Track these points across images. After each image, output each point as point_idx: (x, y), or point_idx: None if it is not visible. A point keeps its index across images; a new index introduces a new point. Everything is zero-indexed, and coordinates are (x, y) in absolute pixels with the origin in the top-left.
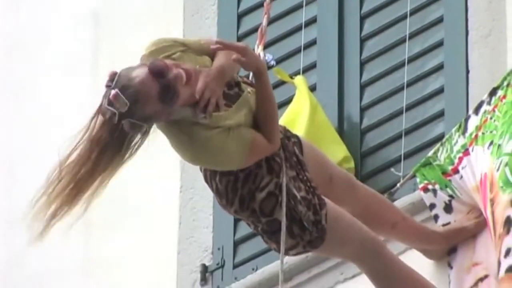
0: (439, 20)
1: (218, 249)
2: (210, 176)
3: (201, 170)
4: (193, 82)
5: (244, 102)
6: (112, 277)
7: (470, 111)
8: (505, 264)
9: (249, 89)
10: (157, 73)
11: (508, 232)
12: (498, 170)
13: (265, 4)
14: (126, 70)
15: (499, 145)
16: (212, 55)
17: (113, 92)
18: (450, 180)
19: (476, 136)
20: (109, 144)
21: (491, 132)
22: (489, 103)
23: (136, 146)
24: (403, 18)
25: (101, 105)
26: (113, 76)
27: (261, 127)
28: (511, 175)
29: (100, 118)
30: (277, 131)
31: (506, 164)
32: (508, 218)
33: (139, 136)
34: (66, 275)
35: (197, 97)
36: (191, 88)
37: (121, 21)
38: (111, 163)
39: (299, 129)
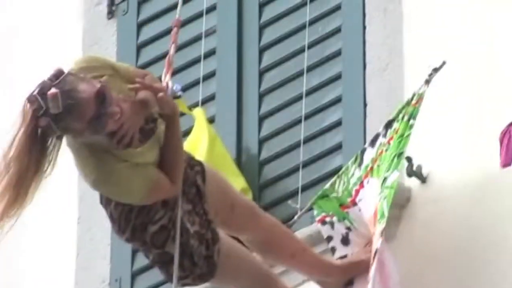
0: (337, 54)
1: (116, 280)
2: (106, 201)
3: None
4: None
5: (157, 141)
6: None
7: (367, 144)
8: None
9: (163, 126)
10: (102, 101)
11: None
12: (381, 201)
13: (172, 33)
14: (74, 77)
15: (385, 178)
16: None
17: (53, 90)
18: (347, 212)
19: (372, 168)
20: (31, 144)
21: (386, 165)
22: (384, 136)
23: (54, 147)
24: (301, 51)
25: (32, 93)
26: (59, 74)
27: (166, 169)
28: (387, 207)
29: (26, 112)
30: (181, 175)
31: (385, 198)
32: (376, 250)
33: (53, 139)
34: None
35: (117, 129)
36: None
37: (21, 48)
38: (35, 166)
39: None
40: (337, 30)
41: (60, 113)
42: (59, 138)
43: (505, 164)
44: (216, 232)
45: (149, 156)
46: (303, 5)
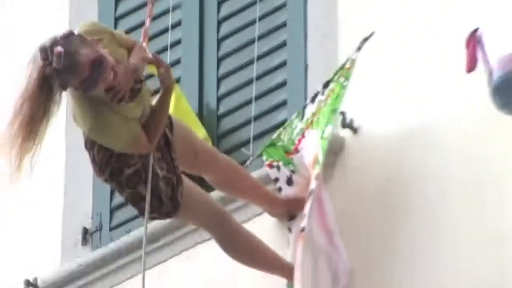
0: (283, 25)
1: (97, 214)
2: (90, 145)
3: (84, 139)
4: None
5: (142, 99)
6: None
7: (308, 101)
8: (300, 225)
9: (147, 87)
10: (98, 66)
11: (308, 200)
12: (317, 160)
13: (148, 8)
14: (80, 40)
15: (323, 131)
16: (129, 49)
17: (59, 48)
18: (291, 158)
19: (312, 121)
20: (39, 89)
21: (324, 119)
22: (322, 94)
23: (59, 92)
24: (253, 22)
25: (44, 44)
26: (69, 34)
27: (149, 128)
28: (322, 156)
29: (35, 62)
30: (158, 137)
31: (321, 147)
32: (311, 190)
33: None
34: None
35: (111, 87)
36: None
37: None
38: (43, 109)
39: None
40: (283, 5)
41: (61, 69)
42: (62, 87)
43: (469, 69)
44: (180, 177)
45: (136, 112)
46: None
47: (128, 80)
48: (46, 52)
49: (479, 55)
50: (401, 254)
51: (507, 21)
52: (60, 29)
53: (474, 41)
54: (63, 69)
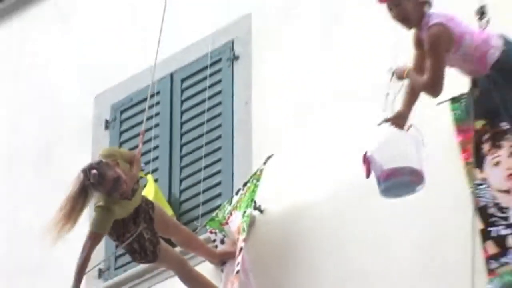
0: (219, 137)
1: (107, 260)
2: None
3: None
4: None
5: (138, 197)
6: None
7: (234, 193)
8: (235, 269)
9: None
10: (117, 181)
11: (240, 253)
12: (242, 223)
13: (140, 137)
14: (106, 165)
15: (245, 211)
16: (131, 161)
17: (94, 171)
18: (223, 228)
19: (236, 206)
20: (79, 194)
21: (244, 205)
22: (243, 189)
23: (91, 197)
24: (201, 139)
25: (84, 169)
26: (99, 162)
27: None
28: (246, 227)
29: (79, 178)
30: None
31: (245, 221)
32: (241, 247)
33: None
34: None
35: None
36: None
37: None
38: (81, 206)
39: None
40: (219, 125)
41: (95, 183)
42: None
43: (367, 176)
44: (158, 239)
45: (132, 206)
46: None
47: (131, 183)
48: (86, 172)
49: (371, 168)
50: None
51: (384, 147)
52: (86, 152)
53: (367, 159)
54: (96, 183)
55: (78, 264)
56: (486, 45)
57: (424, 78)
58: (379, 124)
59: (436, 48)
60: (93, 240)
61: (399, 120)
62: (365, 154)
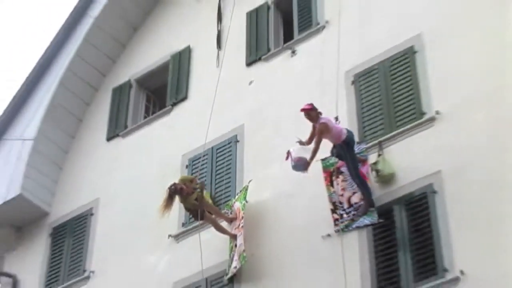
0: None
1: None
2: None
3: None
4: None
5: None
6: None
7: (236, 195)
8: (240, 224)
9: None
10: (181, 191)
11: (242, 219)
12: (242, 208)
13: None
14: (181, 185)
15: (241, 202)
16: (192, 181)
17: (178, 186)
18: (231, 208)
19: (236, 200)
20: (169, 198)
21: (241, 199)
22: (238, 193)
23: (174, 200)
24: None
25: (170, 186)
26: (177, 184)
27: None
28: (243, 208)
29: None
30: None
31: (242, 207)
32: (242, 223)
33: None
34: None
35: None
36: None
37: None
38: (171, 202)
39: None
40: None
41: (174, 191)
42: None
43: (286, 159)
44: (204, 211)
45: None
46: None
47: (190, 191)
48: (172, 187)
49: (290, 157)
50: None
51: (296, 149)
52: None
53: (289, 153)
54: (177, 191)
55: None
56: (340, 132)
57: (315, 146)
58: (297, 142)
59: (320, 133)
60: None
61: (304, 143)
62: (288, 151)
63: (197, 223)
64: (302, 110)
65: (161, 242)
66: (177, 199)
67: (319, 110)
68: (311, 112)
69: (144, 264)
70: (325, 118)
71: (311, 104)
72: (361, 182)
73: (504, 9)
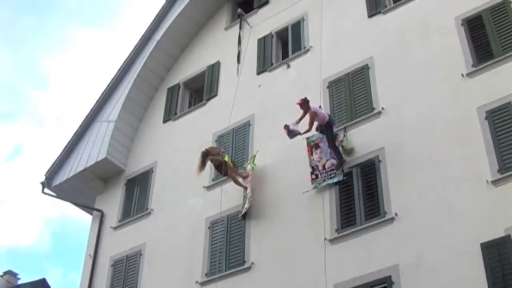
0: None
1: None
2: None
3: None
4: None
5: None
6: None
7: (248, 160)
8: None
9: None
10: (208, 152)
11: (250, 176)
12: (251, 169)
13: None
14: (211, 151)
15: (251, 165)
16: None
17: (205, 150)
18: (245, 169)
19: (248, 163)
20: (202, 160)
21: (251, 163)
22: (249, 159)
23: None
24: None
25: (202, 151)
26: (206, 150)
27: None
28: (252, 169)
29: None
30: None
31: (251, 168)
32: (250, 179)
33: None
34: None
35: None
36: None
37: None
38: (203, 162)
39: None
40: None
41: (207, 154)
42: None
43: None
44: (227, 169)
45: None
46: None
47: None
48: (203, 151)
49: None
50: None
51: (291, 125)
52: None
53: (286, 126)
54: (205, 154)
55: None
56: (324, 116)
57: (308, 127)
58: (296, 122)
59: (312, 118)
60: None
61: (296, 123)
62: (286, 124)
63: (222, 178)
64: (298, 104)
65: (198, 191)
66: (208, 163)
67: (309, 103)
68: (303, 105)
69: (187, 205)
70: (313, 107)
71: (303, 99)
72: (335, 150)
73: None
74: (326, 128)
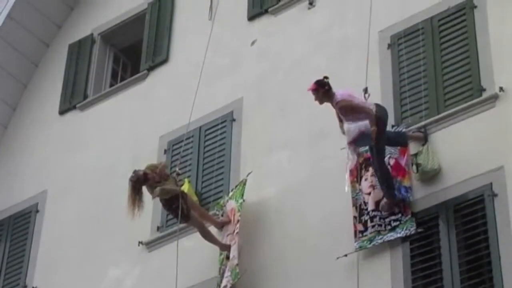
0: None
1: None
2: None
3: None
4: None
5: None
6: None
7: (230, 191)
8: (235, 231)
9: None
10: (145, 177)
11: (238, 223)
12: (238, 209)
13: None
14: (135, 170)
15: (237, 201)
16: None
17: (139, 172)
18: (223, 208)
19: (230, 197)
20: (134, 188)
21: (237, 197)
22: (233, 190)
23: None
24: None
25: (133, 172)
26: (136, 172)
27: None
28: (238, 210)
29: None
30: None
31: (237, 207)
32: (237, 229)
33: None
34: None
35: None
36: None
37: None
38: (137, 195)
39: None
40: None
41: (135, 180)
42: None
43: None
44: (190, 211)
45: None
46: None
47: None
48: (134, 175)
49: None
50: None
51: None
52: None
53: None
54: (136, 179)
55: None
56: (369, 107)
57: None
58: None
59: (344, 114)
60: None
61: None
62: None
63: (177, 227)
64: (312, 89)
65: (129, 252)
66: (146, 194)
67: (333, 84)
68: (320, 91)
69: (106, 281)
70: (341, 93)
71: (320, 81)
72: (382, 175)
73: None
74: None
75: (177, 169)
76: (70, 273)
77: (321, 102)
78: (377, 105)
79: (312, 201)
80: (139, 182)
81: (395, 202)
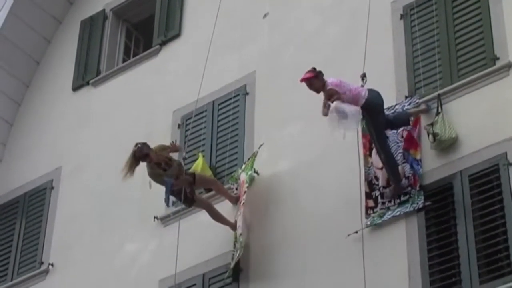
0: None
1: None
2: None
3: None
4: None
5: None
6: None
7: (242, 164)
8: (242, 202)
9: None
10: (145, 154)
11: (244, 194)
12: (246, 180)
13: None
14: (144, 144)
15: (246, 173)
16: (165, 149)
17: (139, 146)
18: (237, 181)
19: (243, 170)
20: (133, 158)
21: (248, 169)
22: (245, 163)
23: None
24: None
25: (137, 144)
26: (140, 144)
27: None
28: (247, 182)
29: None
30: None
31: (246, 179)
32: (244, 199)
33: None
34: None
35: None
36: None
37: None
38: (133, 166)
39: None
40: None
41: (139, 154)
42: (139, 159)
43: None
44: (194, 192)
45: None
46: None
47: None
48: (136, 147)
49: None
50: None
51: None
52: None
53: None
54: (140, 154)
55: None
56: (358, 95)
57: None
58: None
59: (328, 99)
60: None
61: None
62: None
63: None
64: (304, 78)
65: (144, 227)
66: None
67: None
68: (313, 81)
69: (121, 256)
70: (332, 81)
71: (311, 72)
72: (387, 159)
73: None
74: (366, 116)
75: (184, 153)
76: (86, 249)
77: (318, 91)
78: (369, 90)
79: (326, 174)
80: (139, 158)
81: (399, 188)
